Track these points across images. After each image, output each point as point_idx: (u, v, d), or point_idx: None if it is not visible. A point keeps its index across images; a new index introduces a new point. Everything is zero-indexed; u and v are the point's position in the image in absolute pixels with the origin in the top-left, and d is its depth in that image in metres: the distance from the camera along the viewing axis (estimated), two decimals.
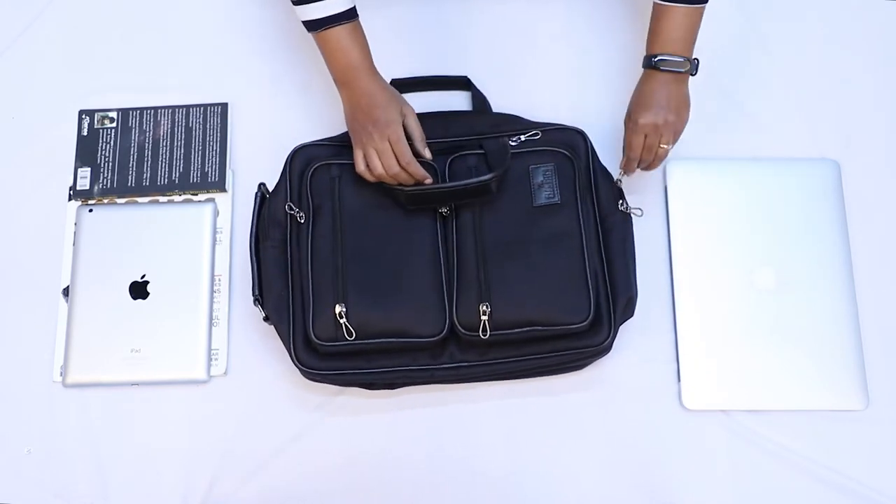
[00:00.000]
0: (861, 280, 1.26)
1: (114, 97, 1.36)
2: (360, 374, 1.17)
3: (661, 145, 1.18)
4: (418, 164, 1.16)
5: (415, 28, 1.38)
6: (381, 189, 1.18)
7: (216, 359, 1.24)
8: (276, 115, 1.34)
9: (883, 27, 1.39)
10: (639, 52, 1.36)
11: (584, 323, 1.14)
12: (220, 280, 1.28)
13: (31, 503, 1.21)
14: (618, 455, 1.21)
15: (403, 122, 1.17)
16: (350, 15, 1.15)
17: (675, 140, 1.20)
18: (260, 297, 1.19)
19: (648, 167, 1.22)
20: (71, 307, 1.26)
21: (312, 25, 1.14)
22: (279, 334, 1.18)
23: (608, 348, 1.17)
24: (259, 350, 1.24)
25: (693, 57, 1.17)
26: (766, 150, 1.32)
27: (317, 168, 1.21)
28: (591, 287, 1.15)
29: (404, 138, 1.16)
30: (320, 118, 1.33)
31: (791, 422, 1.21)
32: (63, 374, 1.24)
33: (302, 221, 1.19)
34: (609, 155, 1.26)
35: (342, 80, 1.17)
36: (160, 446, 1.22)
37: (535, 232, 1.17)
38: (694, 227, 1.27)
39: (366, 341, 1.15)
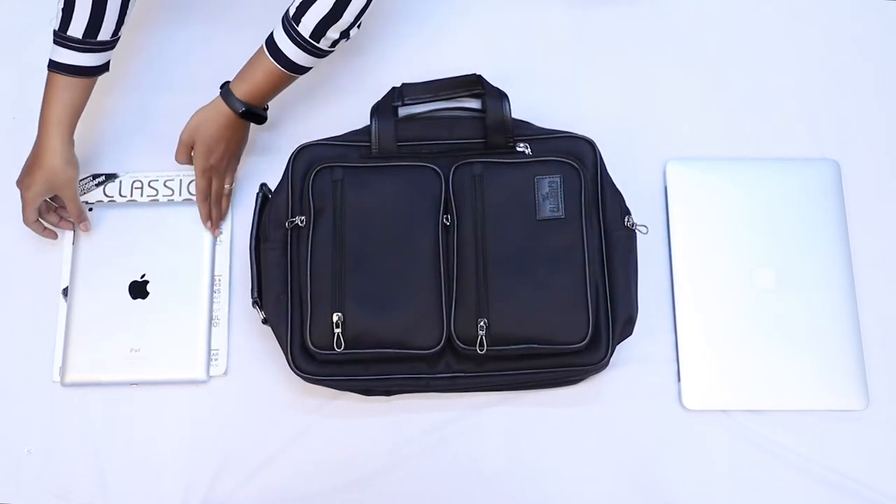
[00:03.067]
0: (861, 280, 1.25)
1: (114, 96, 1.36)
2: (356, 381, 1.17)
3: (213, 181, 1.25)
4: (35, 226, 1.24)
5: (421, 36, 1.38)
6: (385, 194, 1.18)
7: (216, 359, 1.24)
8: (277, 115, 1.34)
9: (883, 27, 1.39)
10: (649, 59, 1.36)
11: (582, 343, 1.14)
12: (220, 280, 1.28)
13: (31, 503, 1.21)
14: (618, 455, 1.21)
15: (60, 195, 1.22)
16: (79, 72, 1.18)
17: (214, 176, 1.24)
18: (259, 300, 1.19)
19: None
20: (70, 307, 1.26)
21: (49, 64, 1.18)
22: (277, 338, 1.18)
23: (605, 366, 1.17)
24: (259, 350, 1.24)
25: (243, 110, 1.19)
26: (766, 150, 1.32)
27: (319, 170, 1.20)
28: (591, 306, 1.14)
29: (31, 204, 1.21)
30: (322, 118, 1.32)
31: (791, 422, 1.21)
32: (62, 373, 1.24)
33: (303, 225, 1.19)
34: (617, 166, 1.24)
35: (40, 125, 1.20)
36: (160, 446, 1.22)
37: (537, 246, 1.16)
38: (694, 227, 1.27)
39: (362, 350, 1.15)
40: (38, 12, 1.41)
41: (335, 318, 1.14)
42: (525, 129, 1.25)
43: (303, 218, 1.18)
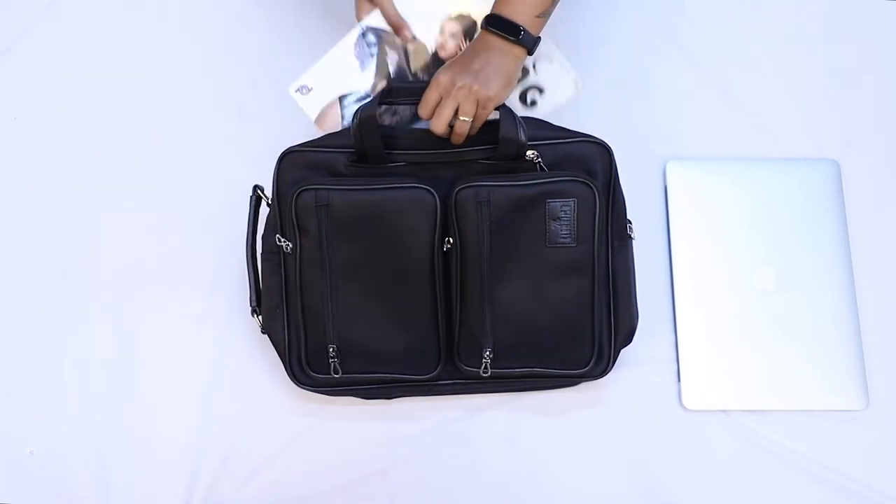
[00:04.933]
0: (861, 280, 1.26)
1: (115, 96, 1.36)
2: (357, 390, 1.19)
3: (458, 116, 1.06)
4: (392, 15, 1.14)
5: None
6: (374, 219, 1.09)
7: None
8: (279, 113, 1.34)
9: (883, 27, 1.39)
10: (649, 59, 1.36)
11: (585, 369, 1.15)
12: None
13: None
14: (618, 455, 1.21)
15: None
16: None
17: (477, 115, 1.07)
18: (258, 308, 1.18)
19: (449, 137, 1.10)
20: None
21: None
22: (276, 348, 1.18)
23: (605, 374, 1.17)
24: (259, 350, 1.24)
25: (536, 35, 1.08)
26: (766, 150, 1.32)
27: (302, 192, 1.09)
28: (595, 333, 1.13)
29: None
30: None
31: (791, 422, 1.21)
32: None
33: (289, 251, 1.13)
34: (618, 166, 1.21)
35: None
36: (160, 446, 1.22)
37: (545, 274, 1.11)
38: (694, 228, 1.27)
39: (360, 375, 1.16)
40: (39, 12, 1.41)
41: (330, 350, 1.14)
42: (537, 129, 1.14)
43: (289, 244, 1.12)
